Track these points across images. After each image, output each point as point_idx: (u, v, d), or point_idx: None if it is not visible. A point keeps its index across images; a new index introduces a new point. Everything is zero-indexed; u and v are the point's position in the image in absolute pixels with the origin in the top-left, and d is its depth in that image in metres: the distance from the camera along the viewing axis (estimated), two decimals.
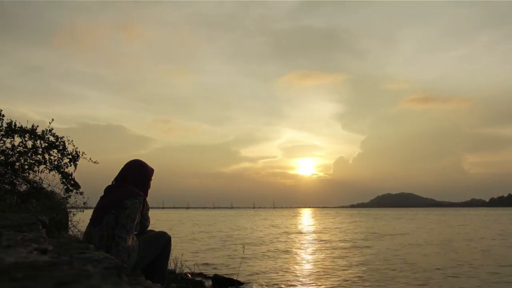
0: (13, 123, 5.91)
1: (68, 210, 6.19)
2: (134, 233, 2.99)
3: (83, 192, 6.30)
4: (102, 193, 3.13)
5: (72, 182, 6.20)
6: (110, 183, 3.17)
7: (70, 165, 6.22)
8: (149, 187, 3.27)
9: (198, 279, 6.40)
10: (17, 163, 5.91)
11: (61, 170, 6.15)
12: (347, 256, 10.27)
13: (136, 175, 3.14)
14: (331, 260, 9.60)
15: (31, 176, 6.06)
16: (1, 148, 5.81)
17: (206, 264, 8.64)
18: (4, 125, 5.87)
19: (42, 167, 6.06)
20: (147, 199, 3.21)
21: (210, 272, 7.32)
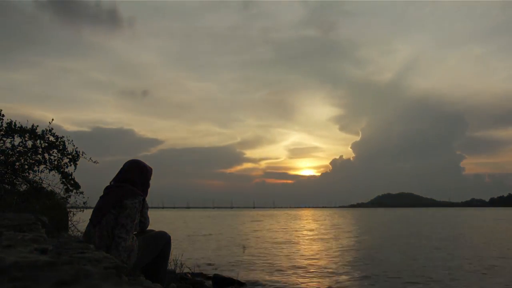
0: (13, 123, 5.91)
1: (68, 210, 6.19)
2: (134, 233, 2.99)
3: (83, 192, 6.31)
4: (102, 193, 3.13)
5: (72, 182, 6.20)
6: (109, 183, 3.16)
7: (70, 165, 6.22)
8: (149, 187, 3.27)
9: (198, 279, 6.39)
10: (17, 163, 5.90)
11: (61, 170, 6.15)
12: (347, 257, 10.27)
13: (135, 175, 3.13)
14: (331, 260, 9.59)
15: (31, 176, 6.06)
16: (1, 148, 5.80)
17: (206, 264, 8.63)
18: (4, 125, 5.86)
19: (42, 167, 6.07)
20: (146, 198, 3.21)
21: (210, 272, 7.32)
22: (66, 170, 6.19)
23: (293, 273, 7.59)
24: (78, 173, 6.33)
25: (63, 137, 6.20)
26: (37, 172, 6.06)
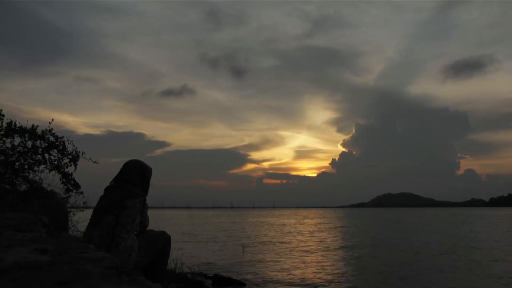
0: (13, 123, 5.90)
1: (68, 210, 6.18)
2: (134, 233, 2.99)
3: (83, 192, 6.29)
4: (102, 193, 3.13)
5: (72, 182, 6.19)
6: (110, 183, 3.16)
7: (70, 165, 6.20)
8: (148, 186, 3.27)
9: (198, 279, 6.39)
10: (17, 163, 5.90)
11: (61, 170, 6.14)
12: (348, 257, 10.27)
13: (135, 175, 3.13)
14: (330, 259, 9.59)
15: (31, 176, 6.04)
16: (1, 148, 5.80)
17: (206, 264, 8.63)
18: (4, 125, 5.86)
19: (42, 167, 6.05)
20: (146, 198, 3.20)
21: (210, 272, 7.32)
22: (66, 170, 6.18)
23: (294, 273, 7.59)
24: (78, 173, 6.32)
25: (63, 137, 6.19)
26: (37, 172, 6.05)
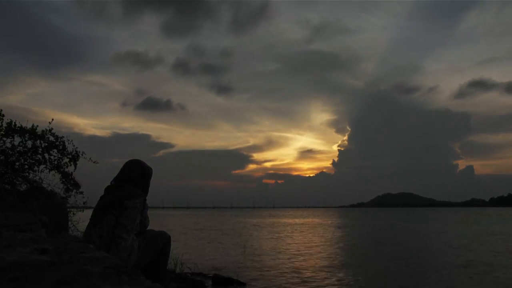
0: (13, 123, 5.90)
1: (68, 210, 6.18)
2: (134, 232, 2.99)
3: (83, 192, 6.30)
4: (102, 193, 3.12)
5: (72, 181, 6.19)
6: (110, 183, 3.16)
7: (70, 165, 6.21)
8: (149, 186, 3.26)
9: (198, 279, 6.39)
10: (17, 163, 5.90)
11: (61, 170, 6.14)
12: (349, 259, 10.27)
13: (136, 175, 3.13)
14: (331, 260, 9.60)
15: (31, 176, 6.05)
16: (1, 148, 5.80)
17: (206, 264, 8.63)
18: (4, 125, 5.86)
19: (42, 167, 6.06)
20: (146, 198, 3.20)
21: (210, 272, 7.32)
22: (66, 170, 6.18)
23: (294, 273, 7.59)
24: (78, 173, 6.33)
25: (63, 137, 6.20)
26: (37, 172, 6.05)
